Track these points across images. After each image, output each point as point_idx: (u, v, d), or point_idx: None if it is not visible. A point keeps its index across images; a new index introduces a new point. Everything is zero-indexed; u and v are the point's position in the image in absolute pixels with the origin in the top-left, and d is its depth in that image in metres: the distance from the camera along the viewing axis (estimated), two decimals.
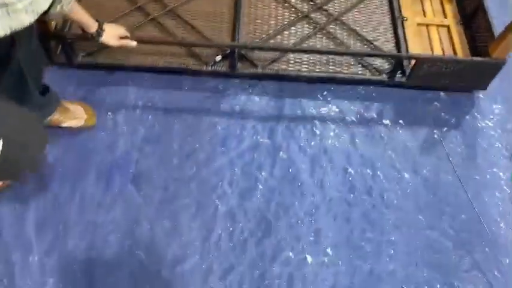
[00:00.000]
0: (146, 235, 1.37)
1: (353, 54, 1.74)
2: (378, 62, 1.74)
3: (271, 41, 1.77)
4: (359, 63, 1.73)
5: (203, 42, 1.74)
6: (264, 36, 1.77)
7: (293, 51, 1.74)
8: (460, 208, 1.48)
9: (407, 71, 1.67)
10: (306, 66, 1.72)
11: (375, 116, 1.66)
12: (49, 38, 1.58)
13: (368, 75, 1.71)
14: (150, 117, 1.60)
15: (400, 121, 1.65)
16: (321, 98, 1.69)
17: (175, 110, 1.63)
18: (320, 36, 1.80)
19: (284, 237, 1.40)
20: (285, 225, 1.42)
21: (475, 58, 1.65)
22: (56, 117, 1.47)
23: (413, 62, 1.65)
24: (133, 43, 1.47)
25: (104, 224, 1.38)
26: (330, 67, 1.72)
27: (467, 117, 1.68)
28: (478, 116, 1.68)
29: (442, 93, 1.72)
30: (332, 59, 1.74)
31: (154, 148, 1.54)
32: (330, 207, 1.47)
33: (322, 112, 1.66)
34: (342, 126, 1.63)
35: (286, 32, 1.79)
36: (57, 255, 1.32)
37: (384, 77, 1.69)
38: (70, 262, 1.31)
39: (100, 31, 1.35)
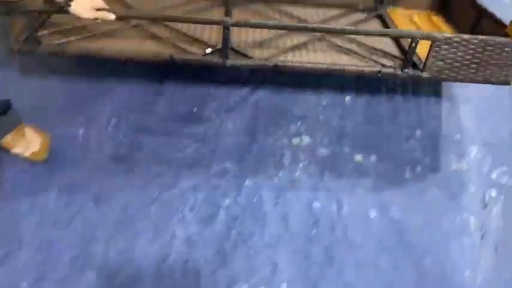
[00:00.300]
0: (100, 256, 1.36)
1: (364, 34, 1.61)
2: (385, 60, 1.59)
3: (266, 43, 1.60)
4: (365, 59, 1.59)
5: (194, 19, 1.58)
6: (257, 39, 1.62)
7: (296, 29, 1.59)
8: (426, 252, 1.44)
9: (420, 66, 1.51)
10: (306, 60, 1.56)
11: (347, 150, 1.63)
12: (11, 11, 1.40)
13: (378, 68, 1.52)
14: (120, 135, 1.60)
15: (373, 157, 1.62)
16: (294, 128, 1.68)
17: (147, 130, 1.63)
18: (320, 42, 1.66)
19: (240, 268, 1.37)
20: (242, 256, 1.39)
21: (492, 37, 1.45)
22: (7, 140, 1.44)
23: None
24: (111, 16, 1.31)
25: (59, 241, 1.37)
26: (335, 58, 1.58)
27: (443, 158, 1.64)
28: (454, 157, 1.65)
29: (418, 131, 1.69)
30: (338, 56, 1.60)
31: (120, 168, 1.53)
32: (291, 240, 1.44)
33: (294, 143, 1.65)
34: (312, 158, 1.61)
35: (281, 38, 1.66)
36: (8, 269, 1.31)
37: (397, 70, 1.52)
38: (20, 277, 1.30)
39: (68, 0, 1.23)
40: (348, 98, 1.77)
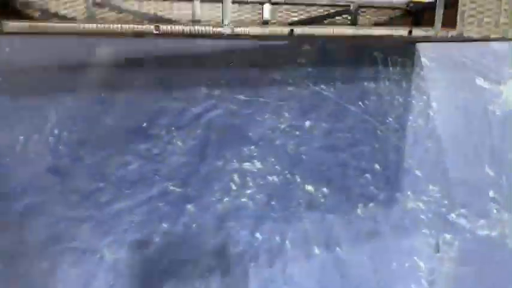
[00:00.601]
0: (19, 275, 1.28)
1: None
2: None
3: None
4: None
5: None
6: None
7: None
8: None
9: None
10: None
11: (299, 180, 1.55)
12: None
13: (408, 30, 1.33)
14: (61, 147, 1.53)
15: (324, 189, 1.54)
16: (247, 152, 1.60)
17: (90, 142, 1.55)
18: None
19: None
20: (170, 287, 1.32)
21: None
22: None
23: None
24: None
25: None
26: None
27: (399, 195, 1.56)
28: (411, 195, 1.56)
29: (376, 165, 1.61)
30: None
31: (56, 182, 1.45)
32: (226, 273, 1.36)
33: (245, 167, 1.57)
34: (261, 185, 1.53)
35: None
36: None
37: (429, 30, 1.32)
38: None
39: None
40: (308, 123, 1.69)
